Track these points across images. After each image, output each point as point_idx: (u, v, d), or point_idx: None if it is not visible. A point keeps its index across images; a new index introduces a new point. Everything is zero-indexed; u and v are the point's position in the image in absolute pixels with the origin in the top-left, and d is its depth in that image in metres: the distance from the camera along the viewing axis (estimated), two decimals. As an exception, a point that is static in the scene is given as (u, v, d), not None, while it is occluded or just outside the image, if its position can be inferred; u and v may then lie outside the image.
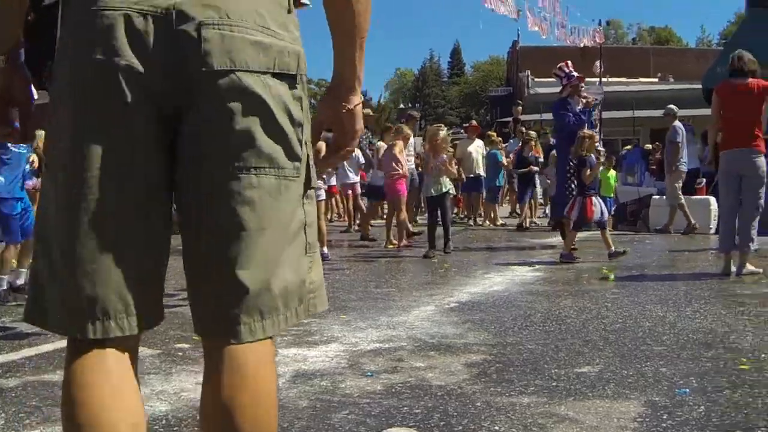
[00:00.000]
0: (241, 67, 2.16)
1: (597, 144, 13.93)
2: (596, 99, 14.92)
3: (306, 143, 2.33)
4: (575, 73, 14.60)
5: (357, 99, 2.60)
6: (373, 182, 18.76)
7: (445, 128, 16.33)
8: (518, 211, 21.81)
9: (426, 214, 15.97)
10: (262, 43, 2.21)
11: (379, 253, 14.60)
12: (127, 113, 2.12)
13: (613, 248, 12.44)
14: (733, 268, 10.66)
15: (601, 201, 13.07)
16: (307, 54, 2.39)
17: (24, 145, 9.19)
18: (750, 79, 10.70)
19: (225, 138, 2.16)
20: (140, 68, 2.10)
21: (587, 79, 16.27)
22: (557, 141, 15.72)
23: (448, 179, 13.84)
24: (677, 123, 18.24)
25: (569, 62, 14.84)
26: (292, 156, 2.27)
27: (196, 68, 2.13)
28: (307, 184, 2.35)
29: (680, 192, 17.71)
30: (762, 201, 10.77)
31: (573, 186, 13.10)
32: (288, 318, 2.28)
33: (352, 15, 2.49)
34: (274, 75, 2.23)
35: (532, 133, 23.29)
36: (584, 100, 14.39)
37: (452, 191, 14.03)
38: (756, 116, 10.62)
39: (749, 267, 10.67)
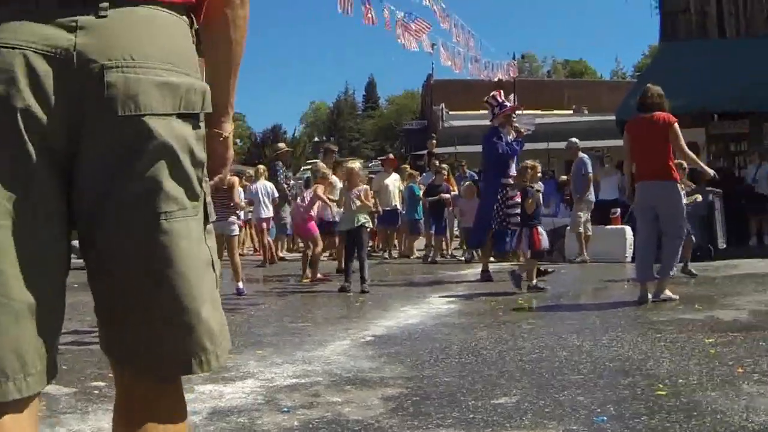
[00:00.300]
0: (147, 111, 2.12)
1: (539, 174, 13.94)
2: (528, 130, 14.97)
3: (204, 180, 2.33)
4: (508, 103, 14.68)
5: (230, 127, 2.62)
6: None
7: (359, 161, 16.33)
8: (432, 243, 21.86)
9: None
10: (170, 83, 2.17)
11: (295, 287, 14.57)
12: (21, 161, 2.04)
13: (534, 281, 12.62)
14: (650, 295, 10.81)
15: (544, 231, 13.27)
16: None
17: None
18: (656, 113, 10.93)
19: (132, 184, 2.13)
20: (38, 112, 2.03)
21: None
22: (485, 169, 15.55)
23: (364, 212, 13.77)
24: (582, 155, 18.47)
25: (501, 92, 14.92)
26: (193, 196, 2.26)
27: (99, 114, 2.09)
28: (206, 221, 2.34)
29: (584, 222, 18.11)
30: (684, 229, 11.04)
31: (501, 215, 13.37)
32: (219, 356, 2.29)
33: (229, 43, 2.51)
34: (179, 116, 2.20)
35: (445, 165, 23.41)
36: (515, 131, 14.41)
37: (368, 224, 13.95)
38: (664, 148, 10.82)
39: (667, 293, 10.84)
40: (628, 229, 18.20)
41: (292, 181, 22.24)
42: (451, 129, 49.87)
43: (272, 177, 20.97)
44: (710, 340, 7.91)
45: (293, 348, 8.10)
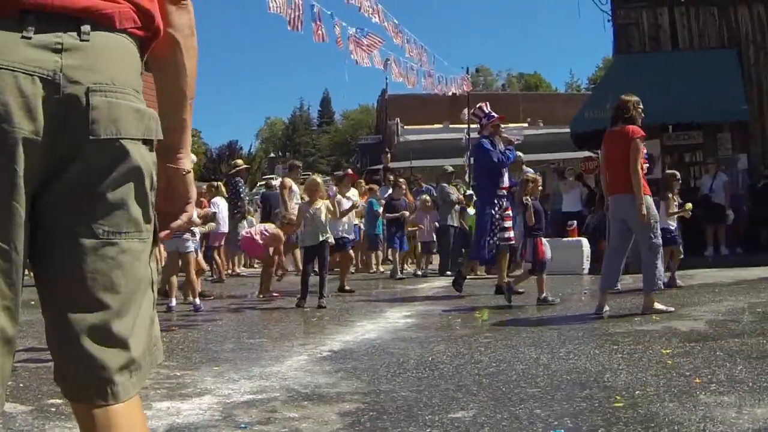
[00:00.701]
0: (125, 135, 2.16)
1: (540, 188, 13.90)
2: (517, 139, 14.87)
3: (153, 204, 2.34)
4: (494, 114, 14.49)
5: (189, 163, 2.63)
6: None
7: (320, 176, 16.24)
8: (390, 258, 21.87)
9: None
10: (140, 110, 2.22)
11: (252, 303, 14.51)
12: (5, 180, 2.03)
13: (544, 294, 12.64)
14: (607, 307, 10.96)
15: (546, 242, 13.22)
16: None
17: None
18: (624, 126, 11.04)
19: (102, 204, 2.16)
20: (26, 132, 2.03)
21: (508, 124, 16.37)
22: (479, 180, 15.27)
23: (327, 229, 13.63)
24: (527, 169, 18.39)
25: (487, 103, 14.88)
26: (147, 218, 2.29)
27: (83, 136, 2.10)
28: (154, 243, 2.36)
29: None
30: (656, 240, 11.00)
31: (496, 228, 13.42)
32: (145, 372, 2.31)
33: (184, 76, 2.53)
34: (143, 141, 2.24)
35: (403, 180, 23.44)
36: (505, 141, 14.38)
37: (331, 240, 13.85)
38: (625, 162, 10.85)
39: (657, 306, 10.88)
40: (584, 241, 18.37)
41: (246, 198, 22.29)
42: (407, 143, 50.06)
43: (234, 193, 21.00)
44: (667, 351, 7.94)
45: (250, 364, 8.04)
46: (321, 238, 13.42)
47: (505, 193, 13.96)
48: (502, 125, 15.00)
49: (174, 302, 13.16)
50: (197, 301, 13.12)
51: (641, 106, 11.30)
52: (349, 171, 24.60)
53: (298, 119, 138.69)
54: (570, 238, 19.15)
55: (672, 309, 10.93)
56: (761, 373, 6.70)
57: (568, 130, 25.57)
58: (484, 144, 14.18)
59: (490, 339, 9.38)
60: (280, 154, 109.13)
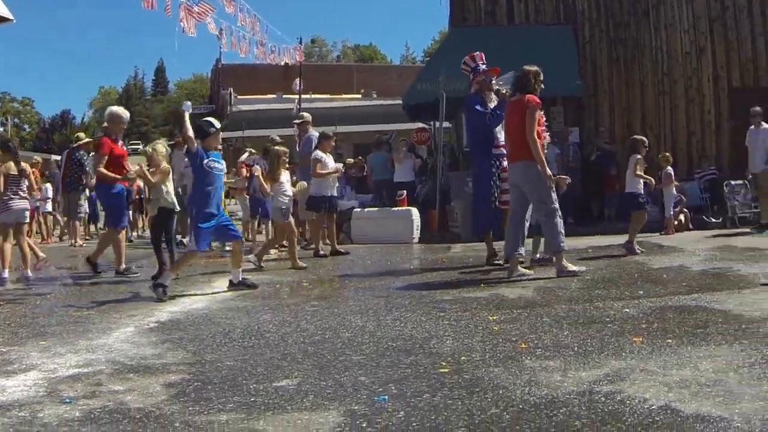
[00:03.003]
0: None
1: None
2: (508, 89, 13.33)
3: None
4: (482, 66, 13.52)
5: None
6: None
7: (164, 141, 15.68)
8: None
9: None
10: None
11: (83, 275, 14.21)
12: None
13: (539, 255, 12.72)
14: (522, 270, 11.18)
15: None
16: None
17: None
18: (523, 96, 11.28)
19: None
20: None
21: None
22: (473, 142, 14.09)
23: (172, 195, 13.11)
24: (313, 132, 17.85)
25: (478, 53, 13.71)
26: None
27: None
28: None
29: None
30: (553, 204, 11.17)
31: (497, 190, 12.77)
32: None
33: None
34: None
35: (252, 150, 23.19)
36: (497, 95, 13.08)
37: (176, 208, 13.36)
38: (522, 130, 11.09)
39: (568, 267, 11.09)
40: (414, 210, 18.45)
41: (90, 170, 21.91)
42: (239, 113, 49.76)
43: (77, 166, 20.60)
44: (494, 318, 8.06)
45: (77, 337, 7.88)
46: (160, 205, 12.97)
47: (503, 152, 12.79)
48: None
49: (6, 273, 12.81)
50: (28, 272, 12.93)
51: (541, 77, 11.57)
52: (179, 139, 24.33)
53: (132, 88, 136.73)
54: (400, 208, 19.22)
55: (584, 269, 11.23)
56: (587, 338, 6.86)
57: (400, 101, 25.72)
58: (471, 104, 13.25)
59: (317, 307, 9.40)
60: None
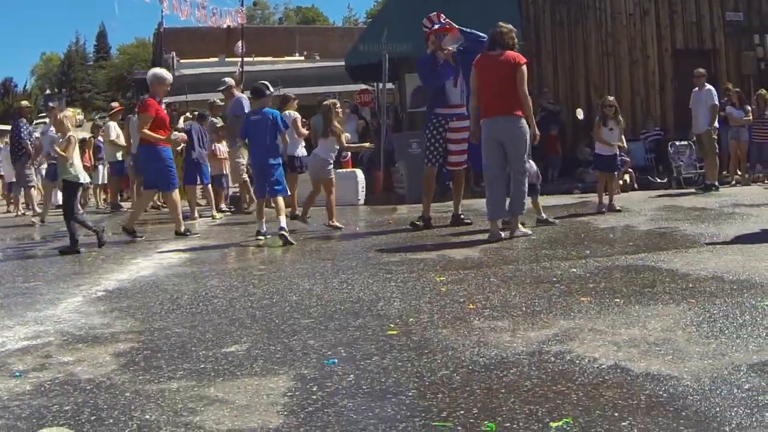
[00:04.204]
0: None
1: None
2: (458, 47, 12.75)
3: None
4: (437, 24, 13.06)
5: None
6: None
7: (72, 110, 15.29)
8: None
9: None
10: None
11: (28, 245, 14.08)
12: None
13: (544, 215, 12.55)
14: (503, 233, 11.06)
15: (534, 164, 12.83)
16: None
17: None
18: (505, 51, 11.18)
19: None
20: None
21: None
22: (430, 101, 13.26)
23: (76, 167, 12.80)
24: (240, 95, 17.38)
25: (435, 13, 13.35)
26: None
27: None
28: None
29: (244, 169, 17.57)
30: (528, 164, 11.32)
31: (434, 149, 12.55)
32: None
33: None
34: None
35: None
36: (445, 55, 12.75)
37: (85, 180, 13.02)
38: (512, 86, 11.01)
39: (521, 229, 11.14)
40: (359, 172, 18.48)
41: (36, 134, 21.71)
42: (182, 77, 49.33)
43: (16, 134, 20.47)
44: (441, 279, 8.10)
45: (25, 309, 7.81)
46: (64, 177, 12.68)
47: (453, 113, 12.60)
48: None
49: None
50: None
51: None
52: (114, 104, 24.18)
53: (74, 54, 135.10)
54: (345, 170, 19.21)
55: (531, 233, 11.24)
56: (534, 298, 6.92)
57: (342, 63, 25.67)
58: (418, 65, 13.37)
59: (264, 272, 9.41)
60: (56, 90, 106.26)
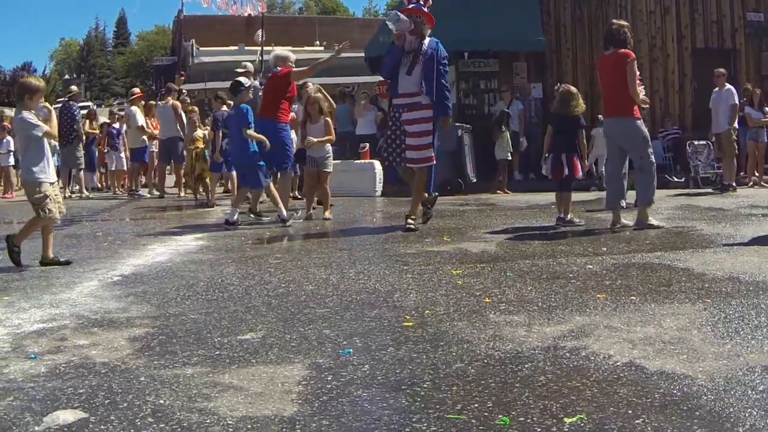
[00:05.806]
0: None
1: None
2: (401, 28, 11.68)
3: None
4: (411, 5, 12.00)
5: None
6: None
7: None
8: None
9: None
10: None
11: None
12: None
13: (569, 216, 12.08)
14: (623, 221, 11.26)
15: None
16: None
17: None
18: (615, 50, 11.32)
19: None
20: None
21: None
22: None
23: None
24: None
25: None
26: None
27: None
28: None
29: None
30: (650, 158, 11.41)
31: (390, 143, 11.88)
32: None
33: None
34: None
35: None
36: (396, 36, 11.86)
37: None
38: (622, 85, 11.15)
39: (651, 220, 11.23)
40: (377, 163, 18.42)
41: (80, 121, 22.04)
42: (201, 65, 49.44)
43: (70, 117, 20.63)
44: (458, 272, 8.10)
45: (41, 292, 7.80)
46: None
47: (403, 102, 11.71)
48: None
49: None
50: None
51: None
52: (135, 90, 24.19)
53: (94, 40, 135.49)
54: (362, 161, 19.24)
55: (664, 225, 11.36)
56: (550, 293, 6.92)
57: (362, 54, 25.63)
58: (388, 52, 12.05)
59: (281, 260, 9.41)
60: (74, 75, 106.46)
